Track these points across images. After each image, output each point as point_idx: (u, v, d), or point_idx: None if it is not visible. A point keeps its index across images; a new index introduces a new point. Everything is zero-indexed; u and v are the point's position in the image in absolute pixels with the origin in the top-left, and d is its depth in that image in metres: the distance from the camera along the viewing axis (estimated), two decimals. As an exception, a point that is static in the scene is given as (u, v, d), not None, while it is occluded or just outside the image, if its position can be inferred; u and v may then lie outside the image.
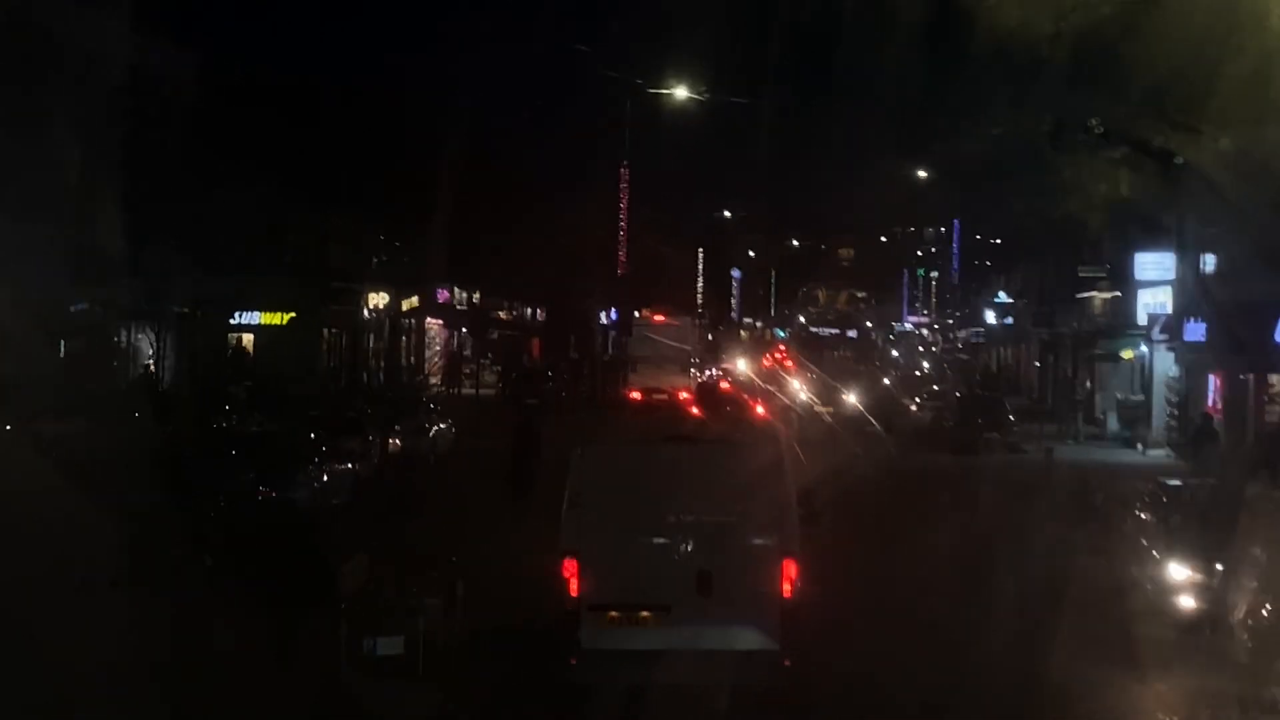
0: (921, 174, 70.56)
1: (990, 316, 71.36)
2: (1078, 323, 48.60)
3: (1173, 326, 34.59)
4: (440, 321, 56.79)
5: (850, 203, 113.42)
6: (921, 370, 66.82)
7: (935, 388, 47.52)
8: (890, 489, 27.42)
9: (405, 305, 51.71)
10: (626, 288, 49.79)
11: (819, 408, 43.95)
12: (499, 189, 53.56)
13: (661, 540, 12.29)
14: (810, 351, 79.72)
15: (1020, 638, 14.27)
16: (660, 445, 13.45)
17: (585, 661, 12.17)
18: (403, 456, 28.11)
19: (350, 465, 24.25)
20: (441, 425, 32.53)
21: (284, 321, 42.73)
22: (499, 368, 53.05)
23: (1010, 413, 38.87)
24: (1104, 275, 43.22)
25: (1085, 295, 46.45)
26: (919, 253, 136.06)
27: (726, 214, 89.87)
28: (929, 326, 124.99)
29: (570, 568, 12.23)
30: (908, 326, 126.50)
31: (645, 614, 12.17)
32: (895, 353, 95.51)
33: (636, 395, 46.77)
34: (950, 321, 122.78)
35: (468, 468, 30.51)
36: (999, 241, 72.46)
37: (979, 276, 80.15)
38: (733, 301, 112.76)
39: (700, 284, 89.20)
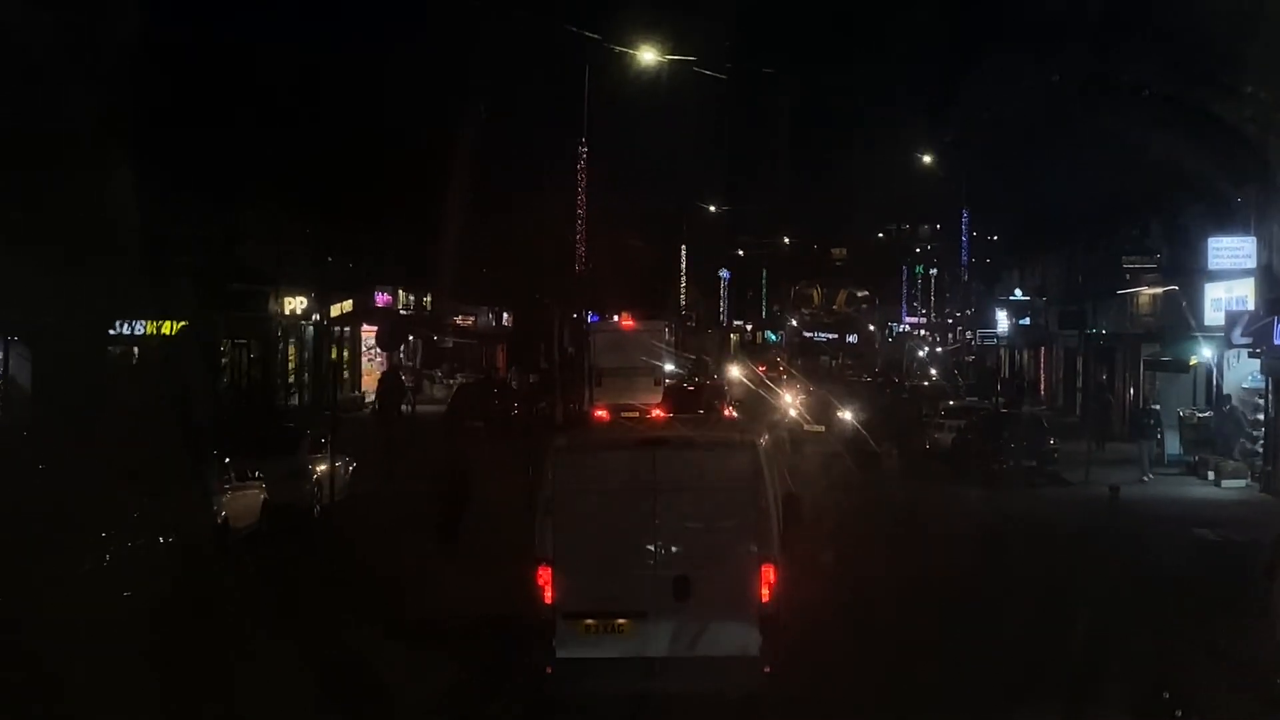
0: (926, 159, 63.91)
1: (1002, 317, 64.28)
2: (1118, 323, 41.70)
3: (1262, 327, 27.54)
4: (377, 329, 49.71)
5: (844, 199, 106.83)
6: (929, 379, 59.59)
7: (951, 402, 40.23)
8: (904, 551, 20.41)
9: (335, 310, 44.55)
10: (586, 287, 42.43)
11: (811, 426, 36.90)
12: (449, 173, 46.67)
13: (637, 545, 11.99)
14: (804, 358, 72.11)
15: None
16: (635, 447, 12.61)
17: (561, 671, 11.92)
18: (265, 514, 21.12)
19: (163, 539, 17.16)
20: (338, 462, 25.52)
21: (174, 332, 35.65)
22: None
23: (1051, 435, 31.77)
24: (1155, 266, 36.25)
25: (1128, 291, 39.46)
26: (917, 250, 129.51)
27: (711, 208, 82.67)
28: (926, 326, 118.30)
29: (544, 575, 11.98)
30: (905, 327, 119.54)
31: (622, 621, 11.94)
32: (894, 355, 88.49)
33: (602, 414, 39.53)
34: (950, 321, 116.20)
35: (364, 520, 23.78)
36: (1011, 234, 65.49)
37: (988, 273, 72.94)
38: (721, 303, 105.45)
39: (684, 284, 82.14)
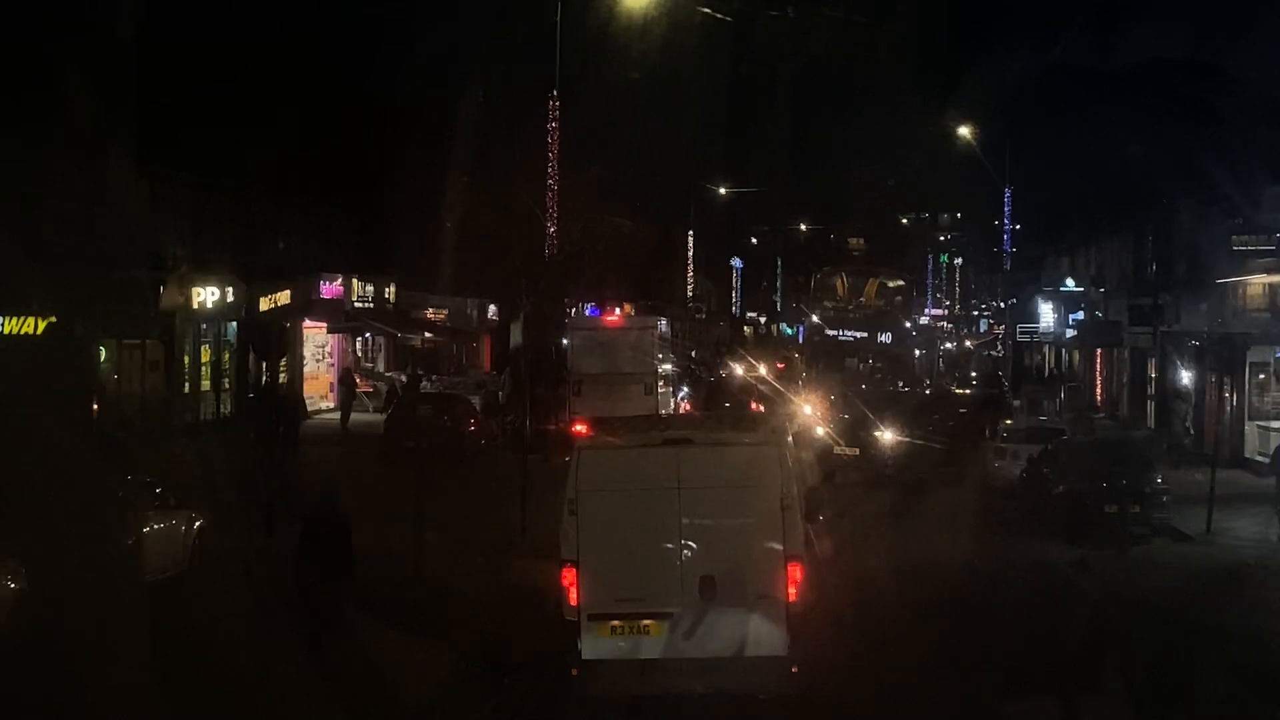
0: (963, 131, 56.34)
1: (1046, 310, 56.55)
2: (1209, 318, 34.22)
3: None
4: (323, 325, 42.42)
5: (861, 185, 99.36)
6: (971, 383, 51.94)
7: (1009, 421, 32.57)
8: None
9: (266, 303, 37.18)
10: (558, 272, 34.91)
11: (843, 449, 29.72)
12: (405, 133, 39.43)
13: (662, 545, 12.00)
14: (827, 361, 64.08)
15: None
16: (658, 447, 12.42)
17: (587, 672, 11.92)
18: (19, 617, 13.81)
19: None
20: (176, 521, 18.29)
21: (39, 331, 28.46)
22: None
23: (1156, 469, 24.21)
24: (1274, 249, 28.92)
25: (1230, 280, 32.00)
26: (941, 238, 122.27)
27: (721, 190, 75.26)
28: (949, 319, 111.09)
29: (569, 576, 12.02)
30: (926, 319, 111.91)
31: (648, 622, 11.92)
32: (919, 351, 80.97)
33: (581, 429, 31.96)
34: (975, 314, 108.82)
35: (205, 609, 16.55)
36: (1056, 214, 57.91)
37: (1026, 261, 65.24)
38: (733, 294, 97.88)
39: (691, 272, 74.77)
